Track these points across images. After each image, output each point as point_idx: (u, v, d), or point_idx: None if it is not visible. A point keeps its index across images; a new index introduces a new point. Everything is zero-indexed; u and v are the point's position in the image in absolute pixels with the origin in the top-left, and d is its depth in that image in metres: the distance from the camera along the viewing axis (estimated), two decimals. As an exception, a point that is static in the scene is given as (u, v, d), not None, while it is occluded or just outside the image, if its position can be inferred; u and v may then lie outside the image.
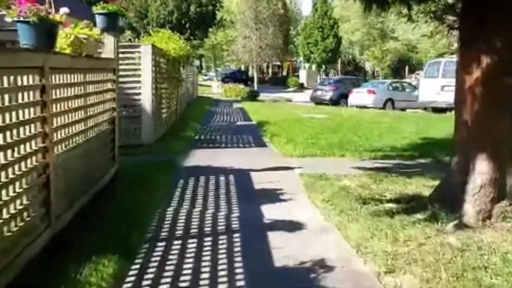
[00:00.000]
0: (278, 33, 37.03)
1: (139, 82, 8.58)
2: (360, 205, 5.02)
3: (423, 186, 5.95)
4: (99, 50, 6.07)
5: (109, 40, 5.94)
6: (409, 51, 75.66)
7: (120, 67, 8.36)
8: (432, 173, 6.74)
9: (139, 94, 8.62)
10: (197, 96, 26.55)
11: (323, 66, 52.48)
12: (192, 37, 28.33)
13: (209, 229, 4.32)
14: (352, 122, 14.04)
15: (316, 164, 7.41)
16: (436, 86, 18.53)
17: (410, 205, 4.97)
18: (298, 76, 59.07)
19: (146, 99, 8.58)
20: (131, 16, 23.44)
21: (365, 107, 21.95)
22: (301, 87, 51.40)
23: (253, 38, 34.77)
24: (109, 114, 5.77)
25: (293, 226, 4.36)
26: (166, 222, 4.44)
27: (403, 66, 70.70)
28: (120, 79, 8.43)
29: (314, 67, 58.65)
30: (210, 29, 33.58)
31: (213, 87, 39.53)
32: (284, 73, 67.23)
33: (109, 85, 5.74)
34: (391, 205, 5.05)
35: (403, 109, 22.12)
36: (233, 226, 4.38)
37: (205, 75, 77.22)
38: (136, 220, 4.38)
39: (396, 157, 8.31)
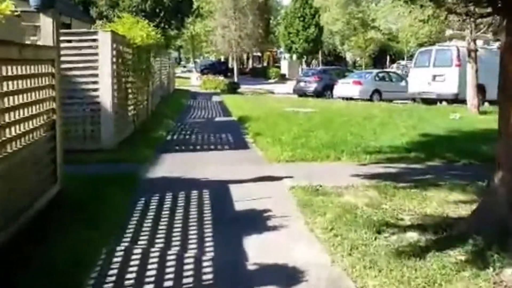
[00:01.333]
0: (258, 22, 35.69)
1: (96, 75, 7.21)
2: (374, 235, 3.82)
3: (446, 202, 4.78)
4: (33, 38, 4.74)
5: (45, 23, 4.59)
6: (390, 41, 75.22)
7: (73, 58, 7.01)
8: (449, 181, 5.60)
9: (96, 89, 7.25)
10: (174, 89, 25.08)
11: (305, 56, 51.21)
12: (167, 27, 26.74)
13: (170, 284, 3.05)
14: (341, 116, 12.84)
15: (308, 172, 6.19)
16: (427, 76, 17.51)
17: (440, 235, 3.77)
18: (279, 67, 57.79)
19: (105, 95, 7.22)
20: (101, 4, 21.86)
21: (351, 98, 20.84)
22: (282, 78, 50.13)
23: (232, 28, 33.37)
24: (46, 118, 4.44)
25: (289, 277, 3.12)
26: (110, 276, 3.15)
27: (384, 55, 70.04)
28: (74, 72, 7.08)
29: (294, 57, 57.49)
30: (187, 19, 31.97)
31: (192, 79, 38.02)
32: (265, 64, 65.88)
33: (45, 81, 4.40)
34: (414, 234, 3.85)
35: (390, 100, 21.09)
36: (205, 279, 3.11)
37: (184, 66, 75.44)
38: (70, 272, 3.09)
39: (400, 160, 7.13)
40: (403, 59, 73.99)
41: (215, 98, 22.09)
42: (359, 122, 11.75)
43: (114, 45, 7.52)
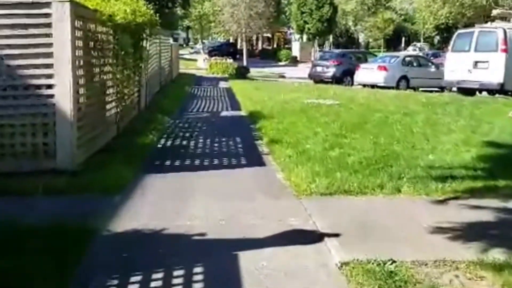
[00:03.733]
0: (270, 0, 33.13)
1: (50, 66, 5.03)
2: None
3: None
4: None
5: None
6: (405, 22, 72.04)
7: (15, 40, 4.84)
8: None
9: (50, 86, 5.08)
10: (178, 73, 22.87)
11: (317, 37, 48.49)
12: (171, 4, 24.36)
13: None
14: (374, 112, 10.58)
15: (360, 219, 4.02)
16: (467, 62, 15.08)
17: None
18: (290, 49, 55.11)
19: (62, 94, 5.05)
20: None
21: (375, 85, 18.51)
22: (294, 61, 47.59)
23: (242, 7, 30.86)
24: None
25: None
26: None
27: (398, 37, 66.85)
28: (17, 62, 4.92)
29: (305, 38, 54.72)
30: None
31: (199, 62, 35.74)
32: (275, 46, 63.18)
33: None
34: None
35: (416, 88, 18.74)
36: None
37: (192, 48, 72.89)
38: None
39: (488, 191, 4.92)
40: (418, 40, 70.94)
41: (223, 84, 19.87)
42: (399, 120, 9.51)
43: (79, 23, 5.32)
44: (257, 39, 60.05)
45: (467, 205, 4.54)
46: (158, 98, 12.58)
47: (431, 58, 26.55)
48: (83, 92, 5.62)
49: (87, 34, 5.71)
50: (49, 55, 4.99)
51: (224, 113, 11.28)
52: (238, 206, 4.37)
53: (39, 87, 5.07)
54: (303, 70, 35.65)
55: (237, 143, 7.61)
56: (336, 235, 3.64)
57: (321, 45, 53.24)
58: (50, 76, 5.03)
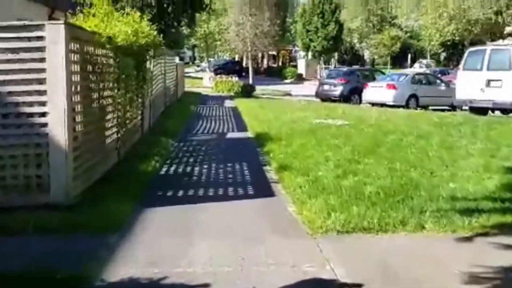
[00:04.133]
0: (275, 19, 33.09)
1: (43, 92, 4.68)
2: None
3: None
4: None
5: None
6: (411, 39, 71.94)
7: (5, 65, 4.51)
8: None
9: (43, 114, 4.72)
10: (183, 92, 22.63)
11: (323, 55, 48.32)
12: (177, 24, 24.22)
13: None
14: (386, 133, 10.16)
15: (383, 263, 3.60)
16: (479, 81, 14.67)
17: None
18: (295, 66, 54.97)
19: (57, 121, 4.69)
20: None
21: (384, 104, 18.13)
22: (299, 78, 47.39)
23: (248, 26, 30.79)
24: None
25: None
26: None
27: (404, 54, 66.61)
28: (8, 88, 4.58)
29: (309, 55, 54.62)
30: (199, 15, 29.47)
31: (204, 80, 35.58)
32: (280, 63, 63.13)
33: None
34: None
35: (426, 107, 18.37)
36: None
37: (198, 66, 73.06)
38: None
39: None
40: (424, 57, 70.69)
41: (228, 103, 19.58)
42: (413, 143, 9.07)
43: (75, 45, 4.98)
44: (262, 56, 60.07)
45: (498, 244, 4.09)
46: (162, 119, 12.25)
47: (439, 75, 26.14)
48: (80, 119, 5.25)
49: (85, 58, 5.37)
50: (42, 81, 4.65)
51: (230, 135, 10.90)
52: (246, 248, 3.95)
53: (31, 115, 4.71)
54: (309, 87, 35.40)
55: (244, 169, 7.21)
56: (358, 286, 3.21)
57: (326, 62, 53.10)
58: (43, 104, 4.68)
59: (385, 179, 6.17)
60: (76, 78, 5.07)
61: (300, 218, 4.78)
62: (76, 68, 5.08)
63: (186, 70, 46.74)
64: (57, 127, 4.70)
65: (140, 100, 9.06)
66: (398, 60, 67.16)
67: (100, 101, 6.19)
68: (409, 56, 65.64)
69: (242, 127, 12.15)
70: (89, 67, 5.57)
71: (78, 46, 5.08)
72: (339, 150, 8.23)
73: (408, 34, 70.52)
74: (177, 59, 20.40)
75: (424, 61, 64.44)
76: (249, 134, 10.92)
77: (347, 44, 72.44)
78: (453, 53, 63.22)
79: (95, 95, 5.92)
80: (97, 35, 5.60)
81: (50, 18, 12.36)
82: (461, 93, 15.50)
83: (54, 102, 4.66)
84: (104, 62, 6.25)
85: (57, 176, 4.73)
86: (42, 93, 4.67)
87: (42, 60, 4.63)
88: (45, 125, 4.72)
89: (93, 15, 5.90)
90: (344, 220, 4.49)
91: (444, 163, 7.36)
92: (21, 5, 12.88)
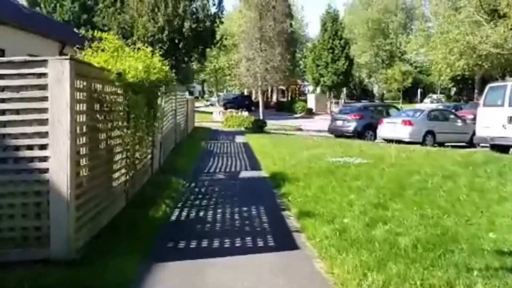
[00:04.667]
0: (286, 54, 32.97)
1: (44, 135, 4.22)
2: None
3: None
4: None
5: None
6: (420, 74, 71.93)
7: (4, 105, 4.08)
8: None
9: (44, 158, 4.25)
10: (193, 127, 22.29)
11: (333, 89, 48.20)
12: (188, 59, 24.15)
13: None
14: (409, 174, 9.60)
15: None
16: (500, 118, 14.14)
17: None
18: (305, 101, 54.89)
19: (58, 167, 4.21)
20: (112, 34, 19.30)
21: (400, 141, 17.60)
22: (309, 113, 47.17)
23: (258, 61, 30.66)
24: None
25: None
26: None
27: (413, 89, 66.42)
28: (7, 130, 4.14)
29: (318, 90, 54.60)
30: (210, 51, 29.50)
31: (214, 114, 35.39)
32: (289, 98, 63.16)
33: None
34: None
35: (442, 144, 17.77)
36: None
37: (207, 100, 73.42)
38: None
39: None
40: (434, 92, 70.47)
41: (239, 139, 19.14)
42: (440, 184, 8.49)
43: (81, 83, 4.56)
44: (272, 91, 60.17)
45: None
46: (173, 157, 11.79)
47: (453, 111, 25.65)
48: (85, 163, 4.78)
49: (92, 96, 4.95)
50: (44, 122, 4.20)
51: (243, 174, 10.38)
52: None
53: (31, 159, 4.24)
54: (319, 122, 35.08)
55: (261, 214, 6.65)
56: None
57: (335, 97, 52.95)
58: (44, 147, 4.22)
59: (419, 229, 5.59)
60: (81, 118, 4.63)
61: (331, 278, 4.19)
62: (82, 107, 4.65)
63: (196, 104, 46.78)
64: (59, 173, 4.22)
65: (150, 138, 8.62)
66: (407, 95, 66.97)
67: (108, 142, 5.73)
68: (419, 91, 65.48)
69: (255, 165, 11.64)
70: (97, 106, 5.14)
71: (84, 83, 4.66)
72: (362, 193, 7.68)
73: (418, 69, 70.58)
74: (187, 94, 20.16)
75: (435, 96, 64.22)
76: (264, 173, 10.39)
77: (356, 79, 72.58)
78: (462, 88, 63.02)
79: (103, 136, 5.47)
80: (106, 71, 5.19)
81: (61, 53, 12.14)
82: (481, 130, 14.95)
83: (56, 145, 4.20)
84: (113, 100, 5.83)
85: (58, 228, 4.22)
86: (43, 135, 4.22)
87: (44, 99, 4.20)
88: (46, 170, 4.24)
89: (102, 50, 5.51)
90: (383, 282, 3.90)
91: (478, 209, 6.77)
92: (32, 41, 12.72)
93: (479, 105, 15.56)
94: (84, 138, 4.74)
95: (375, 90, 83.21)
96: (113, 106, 5.80)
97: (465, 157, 12.61)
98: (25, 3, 33.79)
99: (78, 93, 4.48)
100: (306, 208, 6.57)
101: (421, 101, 60.53)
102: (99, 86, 5.20)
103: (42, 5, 37.97)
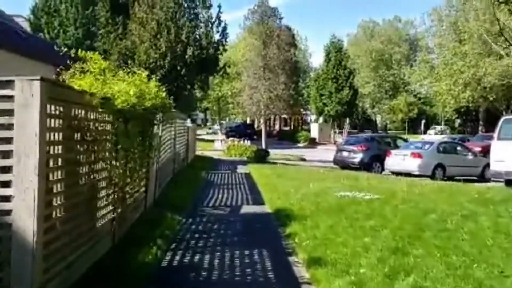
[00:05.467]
0: (289, 82, 32.61)
1: (8, 169, 3.51)
2: None
3: None
4: None
5: None
6: (424, 105, 71.54)
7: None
8: None
9: (7, 198, 3.52)
10: (194, 156, 21.60)
11: (337, 119, 47.71)
12: (190, 87, 23.64)
13: None
14: (426, 212, 8.83)
15: None
16: (517, 151, 13.45)
17: None
18: (308, 130, 54.37)
19: (24, 209, 3.48)
20: (112, 59, 18.93)
21: (408, 174, 16.85)
22: (313, 142, 46.54)
23: (262, 89, 30.26)
24: None
25: None
26: None
27: (416, 120, 65.86)
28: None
29: (321, 119, 54.13)
30: (212, 78, 29.08)
31: (216, 143, 34.77)
32: (292, 127, 62.73)
33: None
34: None
35: (451, 177, 17.03)
36: None
37: (210, 128, 73.00)
38: None
39: None
40: (437, 123, 69.83)
41: (241, 169, 18.43)
42: (460, 225, 7.72)
43: (57, 108, 3.88)
44: (275, 119, 59.77)
45: None
46: (170, 189, 11.05)
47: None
48: (60, 203, 4.06)
49: (71, 123, 4.26)
50: (8, 154, 3.50)
51: (245, 209, 9.60)
52: None
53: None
54: (323, 153, 34.42)
55: (264, 259, 5.88)
56: None
57: (338, 126, 52.40)
58: (7, 184, 3.51)
59: (447, 282, 4.82)
60: (56, 150, 3.94)
61: None
62: (58, 137, 3.96)
63: (198, 132, 46.25)
64: (24, 216, 3.49)
65: (144, 170, 7.91)
66: (411, 126, 66.37)
67: (92, 176, 5.02)
68: (423, 122, 64.92)
69: (258, 199, 10.88)
70: (77, 135, 4.45)
71: (61, 109, 3.98)
72: (377, 235, 6.91)
73: (421, 100, 70.15)
74: (188, 122, 19.55)
75: (439, 127, 63.57)
76: (267, 208, 9.63)
77: (359, 109, 72.21)
78: (466, 119, 62.45)
79: (85, 169, 4.75)
80: (89, 95, 4.51)
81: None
82: (496, 164, 14.22)
83: (22, 182, 3.49)
84: (100, 128, 5.15)
85: (20, 282, 3.47)
86: (6, 169, 3.51)
87: (9, 127, 3.51)
88: (8, 212, 3.52)
89: (87, 71, 4.85)
90: None
91: (509, 256, 5.99)
92: (26, 64, 12.16)
93: (493, 138, 14.85)
94: (59, 172, 4.03)
95: (378, 120, 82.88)
96: (99, 135, 5.11)
97: (482, 193, 11.83)
98: (28, 29, 33.71)
99: (52, 120, 3.80)
100: (316, 254, 5.80)
101: (425, 132, 59.89)
102: (81, 113, 4.52)
103: (45, 31, 37.90)
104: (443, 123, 67.03)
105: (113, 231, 5.90)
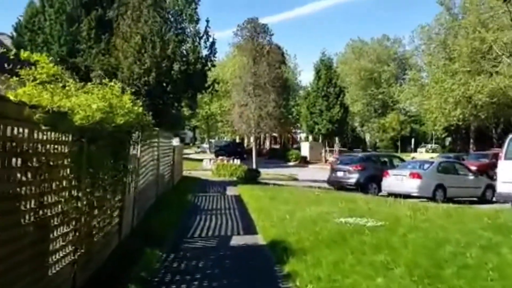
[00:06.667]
0: (280, 100, 31.68)
1: None
2: None
3: None
4: None
5: None
6: (414, 123, 71.17)
7: None
8: None
9: None
10: (181, 177, 20.47)
11: (328, 137, 46.87)
12: (177, 104, 22.63)
13: None
14: (438, 242, 7.82)
15: None
16: (526, 172, 12.56)
17: None
18: (298, 148, 53.47)
19: None
20: (95, 76, 17.88)
21: (407, 196, 15.87)
22: (304, 161, 45.56)
23: (252, 106, 29.27)
24: None
25: None
26: None
27: (405, 138, 65.32)
28: None
29: (310, 138, 53.32)
30: (200, 95, 28.09)
31: (205, 162, 33.65)
32: (282, 145, 61.85)
33: None
34: None
35: (451, 199, 16.11)
36: None
37: (198, 147, 71.76)
38: None
39: None
40: (426, 142, 69.30)
41: (231, 191, 17.34)
42: (483, 261, 6.71)
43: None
44: (265, 138, 58.87)
45: None
46: (151, 216, 9.93)
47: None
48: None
49: (6, 146, 3.20)
50: None
51: (235, 240, 8.50)
52: None
53: None
54: (315, 172, 33.44)
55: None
56: None
57: (328, 145, 51.55)
58: None
59: None
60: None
61: None
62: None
63: (186, 151, 45.06)
64: None
65: (118, 197, 6.84)
66: (400, 144, 65.74)
67: (41, 212, 3.94)
68: (413, 140, 64.37)
69: (249, 227, 9.79)
70: (16, 161, 3.38)
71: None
72: (391, 274, 5.88)
73: (411, 119, 69.79)
74: (175, 141, 18.47)
75: (429, 145, 63.06)
76: (260, 239, 8.54)
77: (349, 127, 71.63)
78: (456, 138, 62.02)
79: (29, 205, 3.68)
80: (27, 109, 3.43)
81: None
82: (503, 186, 13.30)
83: None
84: (52, 150, 4.09)
85: None
86: None
87: None
88: None
89: (35, 79, 3.81)
90: None
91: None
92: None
93: (500, 158, 13.93)
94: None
95: (368, 139, 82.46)
96: (51, 159, 4.04)
97: (492, 218, 10.85)
98: (11, 47, 32.58)
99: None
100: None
101: (415, 150, 59.26)
102: (22, 132, 3.46)
103: (28, 48, 36.76)
104: (433, 141, 66.60)
105: (74, 277, 4.79)
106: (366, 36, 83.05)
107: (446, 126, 54.90)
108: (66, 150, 4.40)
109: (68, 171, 4.52)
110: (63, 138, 4.31)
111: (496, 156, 29.15)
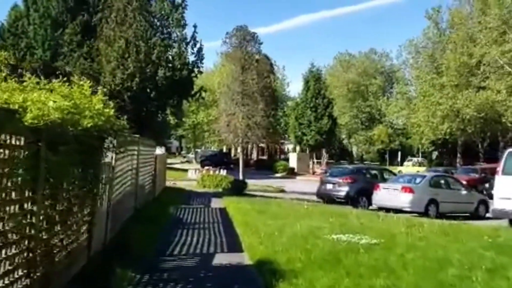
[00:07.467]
0: (268, 110, 31.10)
1: None
2: None
3: None
4: None
5: None
6: (400, 136, 71.09)
7: None
8: None
9: None
10: (163, 188, 19.64)
11: (315, 149, 46.41)
12: (162, 112, 21.87)
13: None
14: (439, 264, 7.20)
15: None
16: (523, 188, 12.05)
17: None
18: (286, 159, 52.84)
19: None
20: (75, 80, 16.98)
21: (399, 210, 15.28)
22: (291, 173, 44.91)
23: (239, 116, 28.60)
24: None
25: None
26: None
27: (392, 151, 65.11)
28: None
29: (297, 149, 52.81)
30: (187, 104, 27.38)
31: (189, 172, 32.77)
32: (269, 156, 61.21)
33: None
34: None
35: (443, 215, 15.52)
36: None
37: (184, 156, 70.71)
38: None
39: None
40: (413, 155, 69.17)
41: (216, 203, 16.57)
42: (489, 283, 6.14)
43: None
44: (252, 148, 58.17)
45: None
46: (128, 229, 9.14)
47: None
48: None
49: None
50: None
51: (218, 259, 7.74)
52: None
53: None
54: (302, 183, 32.81)
55: None
56: None
57: (316, 156, 51.05)
58: None
59: None
60: None
61: None
62: None
63: (171, 161, 44.11)
64: None
65: (87, 211, 6.09)
66: (387, 157, 65.49)
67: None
68: (399, 153, 64.15)
69: (235, 244, 9.04)
70: None
71: None
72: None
73: (398, 132, 69.71)
74: (158, 150, 17.69)
75: (415, 159, 62.87)
76: (247, 258, 7.79)
77: (336, 139, 71.30)
78: (443, 151, 61.95)
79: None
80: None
81: None
82: (500, 202, 12.77)
83: None
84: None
85: None
86: None
87: None
88: None
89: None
90: None
91: None
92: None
93: (497, 173, 13.41)
94: None
95: (354, 151, 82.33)
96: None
97: (492, 236, 10.29)
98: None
99: None
100: None
101: (401, 163, 58.98)
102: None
103: (10, 51, 35.77)
104: (420, 155, 66.47)
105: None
106: (354, 49, 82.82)
107: (433, 140, 54.79)
108: (17, 155, 3.67)
109: (20, 181, 3.79)
110: (13, 141, 3.59)
111: (485, 171, 28.98)
